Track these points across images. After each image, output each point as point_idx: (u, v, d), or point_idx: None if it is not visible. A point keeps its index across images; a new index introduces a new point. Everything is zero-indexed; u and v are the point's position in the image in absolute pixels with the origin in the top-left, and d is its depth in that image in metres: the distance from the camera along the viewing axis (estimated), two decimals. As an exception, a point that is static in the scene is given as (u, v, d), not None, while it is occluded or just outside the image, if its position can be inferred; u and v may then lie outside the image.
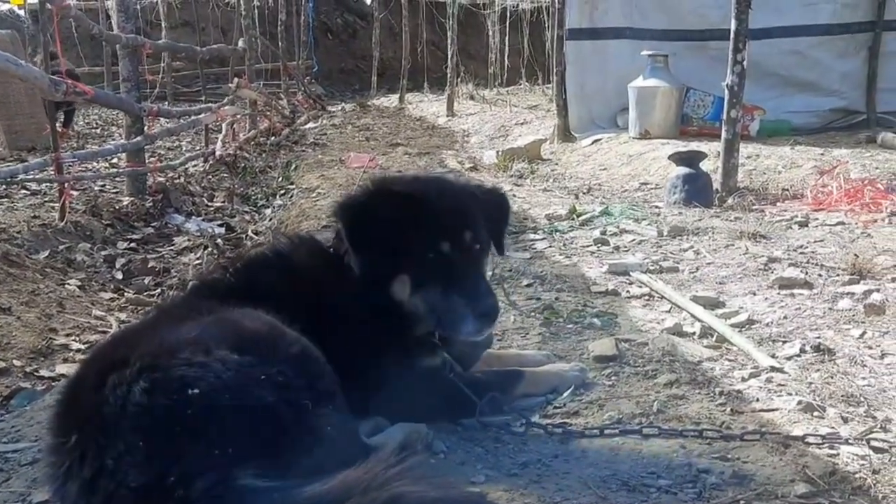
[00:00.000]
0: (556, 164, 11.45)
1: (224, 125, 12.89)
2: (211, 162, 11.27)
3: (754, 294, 4.85)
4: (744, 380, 3.61)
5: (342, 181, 9.31)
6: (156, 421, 2.22)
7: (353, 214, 3.03)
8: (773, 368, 3.70)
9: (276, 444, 2.30)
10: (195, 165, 11.17)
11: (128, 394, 2.26)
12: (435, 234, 2.98)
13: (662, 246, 6.07)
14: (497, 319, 3.10)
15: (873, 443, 2.97)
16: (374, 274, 2.97)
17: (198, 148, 12.61)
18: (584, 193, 8.99)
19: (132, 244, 7.04)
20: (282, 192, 9.70)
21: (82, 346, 4.65)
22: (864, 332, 4.12)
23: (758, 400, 3.40)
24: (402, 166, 10.66)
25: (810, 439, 2.99)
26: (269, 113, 15.75)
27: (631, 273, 5.29)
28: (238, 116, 14.03)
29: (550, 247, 6.15)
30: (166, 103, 18.91)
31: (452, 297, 2.96)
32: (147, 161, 9.65)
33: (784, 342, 4.07)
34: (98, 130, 16.85)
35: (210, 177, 10.62)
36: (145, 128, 9.40)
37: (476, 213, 3.15)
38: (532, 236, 6.46)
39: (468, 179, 3.60)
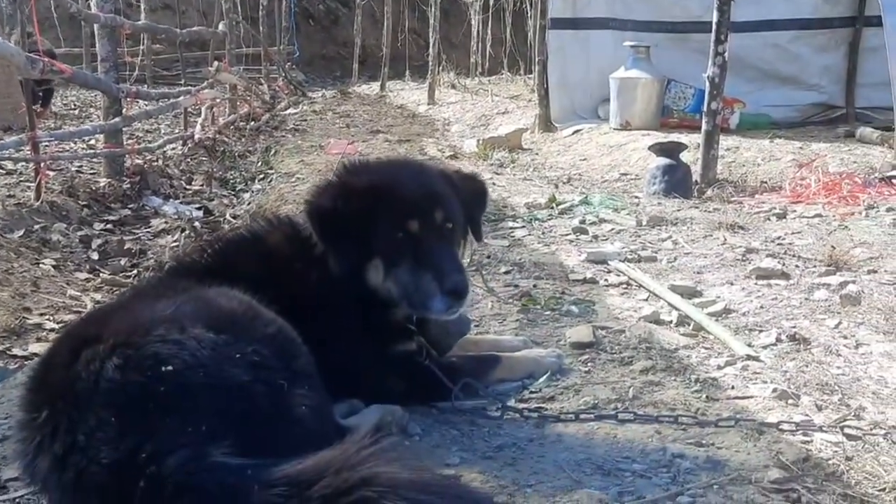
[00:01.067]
0: (537, 153, 11.45)
1: (203, 109, 12.80)
2: (190, 145, 11.19)
3: (731, 284, 4.87)
4: (719, 368, 3.63)
5: (322, 167, 9.26)
6: (129, 397, 2.19)
7: (321, 216, 3.02)
8: (748, 357, 3.72)
9: (250, 422, 2.27)
10: (174, 148, 11.09)
11: (101, 370, 2.23)
12: (403, 213, 2.99)
13: (641, 236, 6.08)
14: (467, 297, 3.08)
15: (847, 430, 2.99)
16: (349, 263, 2.99)
17: (177, 131, 12.52)
18: (563, 183, 9.00)
19: (108, 225, 6.98)
20: (261, 176, 9.65)
21: (56, 326, 4.60)
22: (839, 323, 4.14)
23: (733, 387, 3.41)
24: (382, 153, 10.62)
25: (784, 426, 3.00)
26: (249, 98, 15.66)
27: (609, 262, 5.30)
28: (218, 100, 13.94)
29: (529, 235, 6.15)
30: (145, 86, 18.75)
31: (422, 275, 2.96)
32: (125, 143, 9.55)
33: (760, 331, 4.09)
34: (76, 112, 16.68)
35: (189, 160, 10.54)
36: (123, 109, 9.31)
37: (448, 194, 3.15)
38: (511, 224, 6.46)
39: (446, 165, 3.45)
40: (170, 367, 2.24)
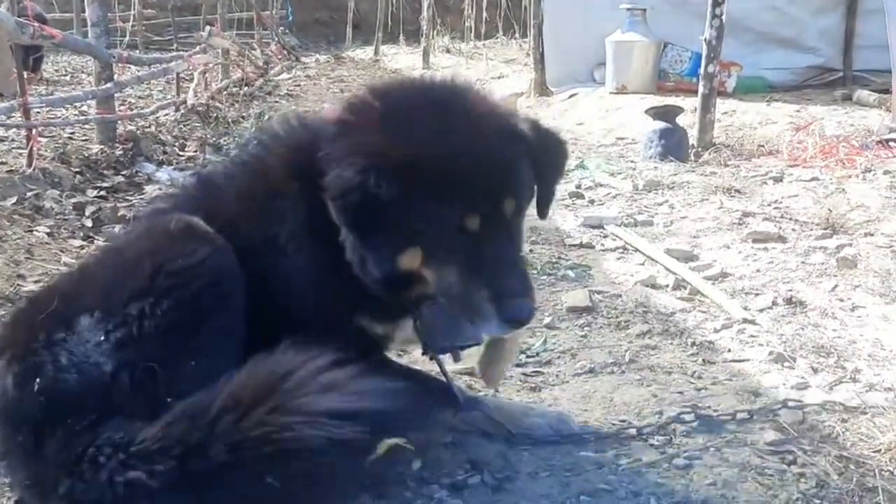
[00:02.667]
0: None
1: (196, 74, 12.68)
2: (182, 111, 11.09)
3: (728, 248, 4.86)
4: (716, 331, 3.63)
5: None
6: (31, 408, 2.25)
7: (349, 204, 2.26)
8: (745, 320, 3.72)
9: (136, 403, 2.26)
10: (166, 114, 10.98)
11: (4, 388, 2.30)
12: (461, 206, 2.24)
13: (637, 200, 6.07)
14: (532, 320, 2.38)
15: (843, 392, 3.00)
16: (380, 258, 2.31)
17: (169, 97, 12.40)
18: (559, 147, 8.94)
19: (102, 192, 6.90)
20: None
21: (50, 293, 4.58)
22: (835, 286, 4.14)
23: (729, 350, 3.42)
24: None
25: (781, 389, 3.01)
26: (241, 63, 15.52)
27: (605, 226, 5.29)
28: (210, 66, 13.80)
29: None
30: (137, 51, 18.60)
31: (476, 289, 2.26)
32: (117, 109, 9.47)
33: (756, 295, 4.09)
34: (67, 77, 16.52)
35: (181, 126, 10.44)
36: (115, 75, 9.21)
37: (522, 167, 2.36)
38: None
39: (517, 110, 2.58)
40: (49, 375, 2.26)
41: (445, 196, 2.22)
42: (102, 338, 2.28)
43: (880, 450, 2.62)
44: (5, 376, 2.30)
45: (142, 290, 2.32)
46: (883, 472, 2.48)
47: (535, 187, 2.44)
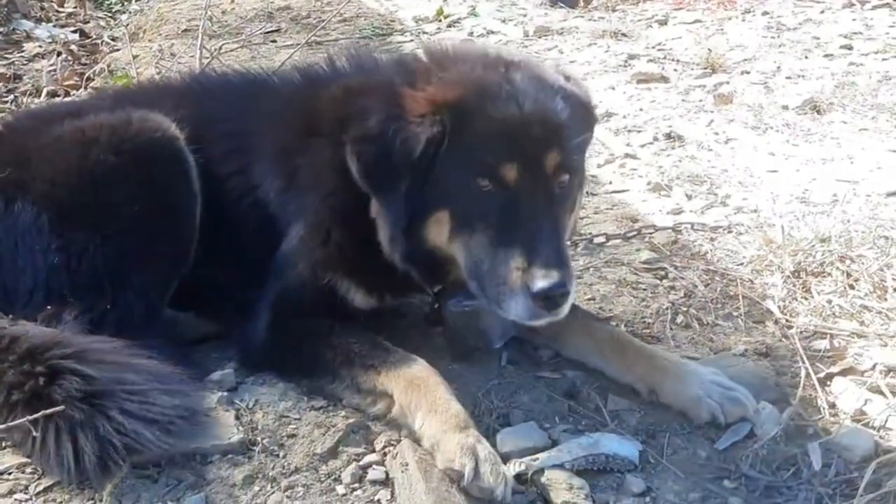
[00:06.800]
0: (424, -34, 11.18)
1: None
2: (57, -35, 10.52)
3: (613, 89, 5.03)
4: (599, 166, 3.82)
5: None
6: None
7: (366, 152, 2.13)
8: (626, 155, 3.93)
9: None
10: (39, -31, 10.42)
11: None
12: (495, 152, 2.04)
13: (528, 46, 6.14)
14: (566, 304, 2.05)
15: (713, 215, 3.24)
16: (400, 217, 2.12)
17: (40, -49, 11.70)
18: (451, -4, 8.87)
19: (-23, 51, 6.63)
20: (137, -3, 9.21)
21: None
22: (711, 120, 4.37)
23: (611, 182, 3.63)
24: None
25: (657, 214, 3.23)
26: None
27: (496, 72, 5.37)
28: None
29: (417, 48, 6.13)
30: None
31: (505, 255, 2.01)
32: (-16, -36, 8.92)
33: (639, 132, 4.30)
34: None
35: (57, -19, 9.94)
36: (-21, -75, 8.63)
37: (570, 123, 2.14)
38: (399, 38, 6.41)
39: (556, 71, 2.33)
40: None
41: (478, 141, 2.03)
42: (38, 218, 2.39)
43: (743, 263, 2.88)
44: None
45: (83, 170, 2.43)
46: (744, 282, 2.74)
47: None
